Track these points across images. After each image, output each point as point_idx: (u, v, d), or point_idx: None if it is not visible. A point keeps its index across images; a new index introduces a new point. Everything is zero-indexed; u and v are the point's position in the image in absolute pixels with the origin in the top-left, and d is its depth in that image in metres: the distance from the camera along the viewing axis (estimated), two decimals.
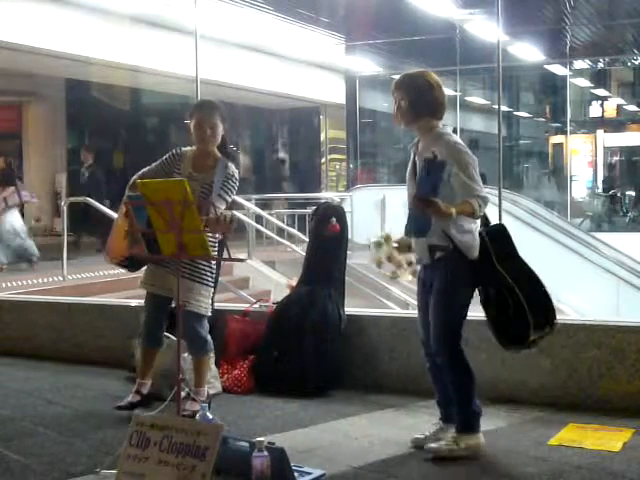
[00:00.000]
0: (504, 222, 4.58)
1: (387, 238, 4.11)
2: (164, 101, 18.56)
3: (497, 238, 3.88)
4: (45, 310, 6.66)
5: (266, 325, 5.34)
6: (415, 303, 4.21)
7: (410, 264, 4.14)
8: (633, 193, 19.54)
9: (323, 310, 5.16)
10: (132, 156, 19.40)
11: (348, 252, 5.58)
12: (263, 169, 23.60)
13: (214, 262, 4.55)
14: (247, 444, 3.40)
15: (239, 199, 10.31)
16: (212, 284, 4.57)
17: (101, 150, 20.00)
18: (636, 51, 18.23)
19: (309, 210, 9.09)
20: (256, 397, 5.01)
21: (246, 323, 5.46)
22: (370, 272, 10.63)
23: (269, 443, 3.30)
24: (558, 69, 18.91)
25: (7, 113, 18.02)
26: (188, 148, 4.65)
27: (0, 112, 18.04)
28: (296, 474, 3.39)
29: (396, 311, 8.04)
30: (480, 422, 3.90)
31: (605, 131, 20.27)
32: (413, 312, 4.17)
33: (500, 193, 7.04)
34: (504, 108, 18.83)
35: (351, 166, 19.38)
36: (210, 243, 4.13)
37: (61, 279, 9.44)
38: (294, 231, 11.60)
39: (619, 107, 21.24)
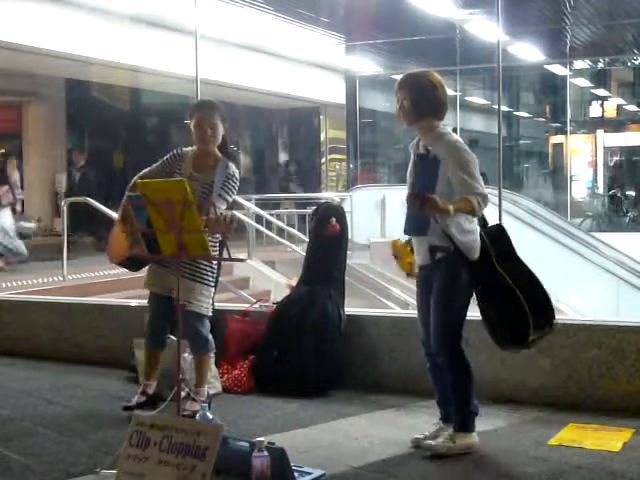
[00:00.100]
0: (504, 222, 4.59)
1: (394, 245, 4.11)
2: (164, 101, 18.55)
3: (496, 239, 3.88)
4: (45, 310, 6.66)
5: (266, 325, 5.34)
6: (415, 303, 4.21)
7: None
8: (633, 193, 19.54)
9: (323, 310, 5.17)
10: (132, 156, 19.40)
11: (348, 252, 5.58)
12: (263, 169, 23.60)
13: (215, 262, 4.55)
14: (247, 444, 3.40)
15: (239, 199, 10.31)
16: (213, 284, 4.57)
17: (101, 150, 20.04)
18: (636, 51, 18.23)
19: (309, 210, 9.09)
20: (256, 397, 5.02)
21: (246, 323, 5.46)
22: (370, 272, 10.64)
23: (269, 443, 3.30)
24: (558, 69, 18.91)
25: (7, 113, 18.02)
26: (189, 148, 4.65)
27: (0, 112, 18.03)
28: (296, 474, 3.39)
29: (396, 311, 8.04)
30: (475, 422, 3.91)
31: (605, 131, 20.27)
32: (413, 312, 4.17)
33: (500, 193, 7.05)
34: (504, 108, 18.83)
35: (351, 166, 19.38)
36: (211, 243, 4.13)
37: (61, 279, 9.44)
38: (294, 231, 11.60)
39: (619, 107, 21.23)
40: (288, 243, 11.16)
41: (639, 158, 20.69)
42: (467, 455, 3.81)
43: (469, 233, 3.80)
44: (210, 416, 3.67)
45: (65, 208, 9.83)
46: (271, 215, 11.92)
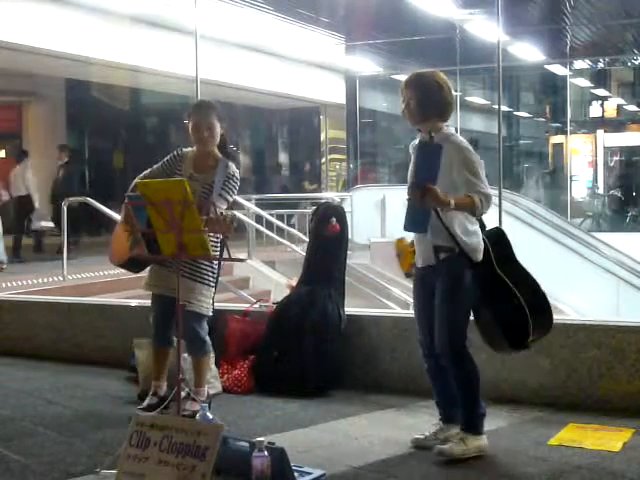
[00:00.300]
0: (504, 222, 4.60)
1: (398, 244, 4.10)
2: (164, 101, 18.57)
3: (496, 242, 3.88)
4: (45, 310, 6.66)
5: (266, 325, 5.34)
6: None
7: None
8: (633, 193, 19.53)
9: (323, 310, 5.17)
10: (132, 156, 19.42)
11: (348, 252, 5.58)
12: (263, 169, 23.61)
13: (216, 262, 4.55)
14: (247, 444, 3.40)
15: (239, 199, 10.31)
16: (213, 284, 4.57)
17: (101, 150, 20.05)
18: (636, 51, 18.23)
19: (309, 210, 9.10)
20: (256, 397, 5.02)
21: (246, 323, 5.46)
22: (370, 272, 10.64)
23: (269, 443, 3.30)
24: (558, 69, 18.91)
25: (7, 113, 18.03)
26: (189, 149, 4.65)
27: (0, 112, 18.04)
28: (296, 474, 3.39)
29: (396, 311, 8.04)
30: (484, 424, 3.90)
31: (605, 131, 20.26)
32: (413, 312, 4.17)
33: (500, 193, 7.04)
34: (504, 108, 18.83)
35: (351, 166, 19.38)
36: (212, 243, 4.13)
37: (61, 279, 9.44)
38: (294, 231, 11.60)
39: (619, 107, 21.23)
40: (288, 243, 11.16)
41: (639, 158, 20.68)
42: (476, 456, 3.79)
43: (473, 234, 3.79)
44: (210, 416, 3.67)
45: (65, 208, 9.83)
46: (271, 215, 11.90)
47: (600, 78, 20.80)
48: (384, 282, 10.44)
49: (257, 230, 11.33)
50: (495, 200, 4.70)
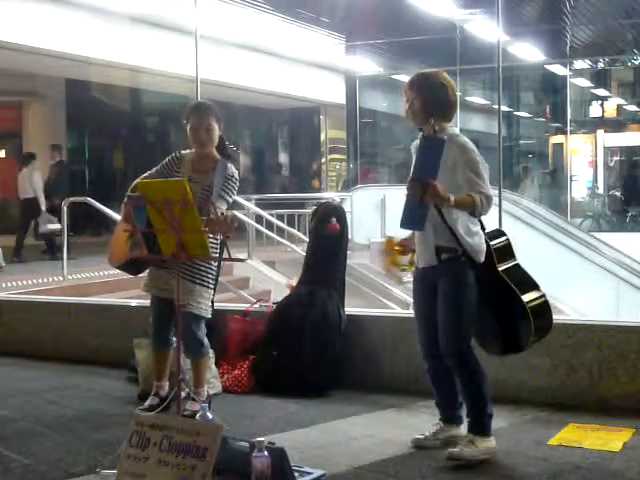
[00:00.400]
0: (504, 222, 4.59)
1: (389, 243, 4.05)
2: (164, 101, 18.57)
3: (497, 243, 3.88)
4: (45, 310, 6.66)
5: (266, 325, 5.34)
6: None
7: (412, 264, 4.08)
8: (634, 193, 19.51)
9: (323, 310, 5.17)
10: (132, 156, 19.42)
11: (348, 252, 5.58)
12: (263, 169, 23.62)
13: (215, 263, 4.55)
14: (247, 444, 3.39)
15: (239, 199, 10.31)
16: (212, 286, 4.56)
17: (101, 150, 20.06)
18: (636, 51, 18.22)
19: (309, 210, 9.08)
20: (256, 397, 5.02)
21: (246, 323, 5.46)
22: (370, 272, 10.63)
23: (269, 443, 3.30)
24: (558, 69, 18.90)
25: (7, 112, 18.02)
26: (187, 151, 4.65)
27: (0, 111, 18.04)
28: (296, 474, 3.39)
29: (397, 311, 8.04)
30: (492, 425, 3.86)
31: (605, 131, 20.26)
32: (413, 312, 4.17)
33: (500, 193, 7.04)
34: (504, 108, 18.82)
35: (351, 166, 19.38)
36: (211, 244, 4.13)
37: (61, 279, 9.44)
38: (294, 231, 11.59)
39: (619, 107, 21.21)
40: (288, 243, 11.15)
41: (639, 158, 20.67)
42: (487, 459, 3.75)
43: (476, 235, 3.78)
44: (210, 416, 3.67)
45: (65, 208, 9.83)
46: (271, 215, 11.90)
47: (600, 78, 20.79)
48: (384, 282, 10.43)
49: (257, 230, 11.33)
50: (495, 200, 4.69)
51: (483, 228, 3.91)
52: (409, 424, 4.35)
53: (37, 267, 10.96)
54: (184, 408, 4.26)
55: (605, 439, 4.04)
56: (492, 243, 3.85)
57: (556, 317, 4.00)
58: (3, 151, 18.11)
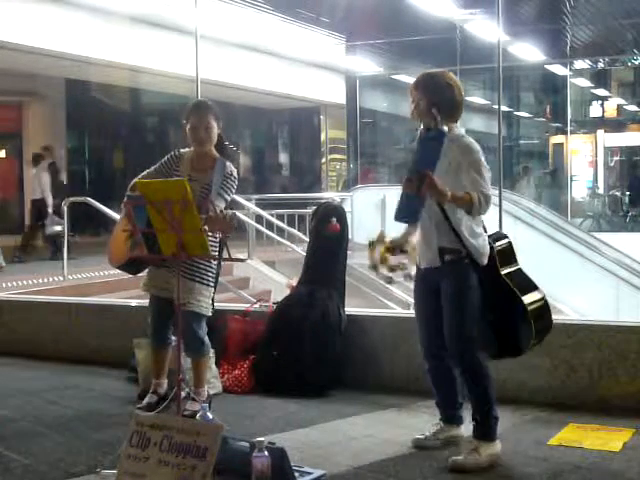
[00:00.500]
0: (504, 222, 4.58)
1: (380, 237, 3.99)
2: (164, 101, 18.55)
3: (500, 245, 3.87)
4: (45, 310, 6.66)
5: (266, 325, 5.34)
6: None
7: (403, 267, 4.02)
8: (634, 193, 19.52)
9: (323, 310, 5.16)
10: (132, 156, 19.40)
11: (348, 252, 5.57)
12: (263, 169, 23.61)
13: (215, 262, 4.55)
14: (247, 444, 3.39)
15: (239, 199, 10.31)
16: (213, 284, 4.56)
17: (101, 150, 20.04)
18: (636, 51, 18.23)
19: (309, 210, 9.09)
20: (256, 397, 5.01)
21: (246, 323, 5.46)
22: (370, 272, 10.61)
23: (269, 443, 3.30)
24: (558, 69, 18.91)
25: (7, 113, 18.01)
26: (186, 150, 4.65)
27: (0, 111, 18.03)
28: (296, 474, 3.39)
29: (397, 311, 8.03)
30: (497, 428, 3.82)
31: (605, 131, 20.26)
32: (414, 312, 4.16)
33: (500, 193, 7.04)
34: (504, 108, 18.82)
35: (351, 166, 19.38)
36: (211, 243, 4.13)
37: (61, 279, 9.44)
38: (294, 231, 11.59)
39: (619, 107, 21.23)
40: (288, 243, 11.15)
41: (639, 158, 20.68)
42: (490, 466, 3.71)
43: (479, 237, 3.76)
44: (210, 416, 3.67)
45: (66, 208, 9.83)
46: (271, 215, 11.90)
47: (600, 78, 20.80)
48: (384, 282, 10.41)
49: (257, 230, 11.33)
50: (495, 200, 4.69)
51: (485, 230, 3.90)
52: (409, 424, 4.35)
53: (37, 267, 10.97)
54: (184, 408, 4.26)
55: (605, 439, 4.04)
56: (494, 245, 3.83)
57: (556, 317, 4.00)
58: (3, 151, 18.09)
